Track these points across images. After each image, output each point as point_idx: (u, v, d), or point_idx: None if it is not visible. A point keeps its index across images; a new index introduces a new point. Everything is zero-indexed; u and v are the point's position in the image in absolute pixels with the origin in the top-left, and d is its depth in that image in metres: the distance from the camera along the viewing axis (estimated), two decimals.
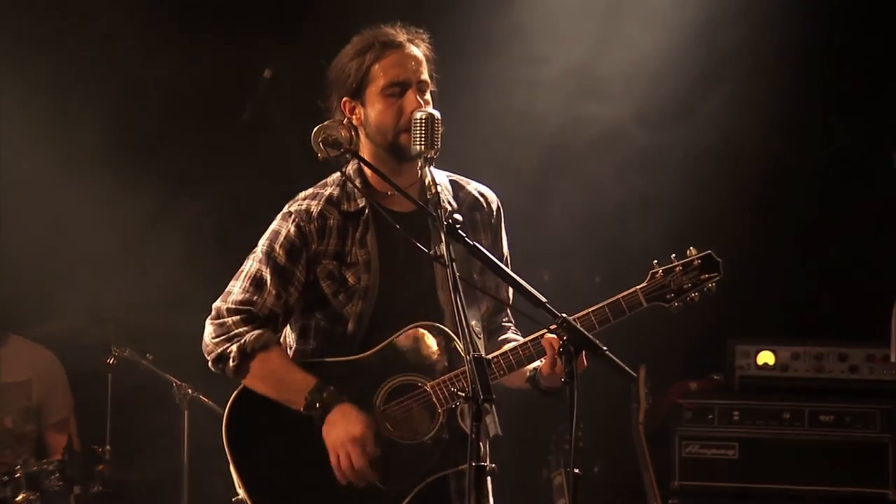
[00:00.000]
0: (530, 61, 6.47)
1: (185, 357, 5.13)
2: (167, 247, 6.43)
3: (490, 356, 3.80)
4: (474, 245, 3.51)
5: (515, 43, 6.49)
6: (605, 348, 3.43)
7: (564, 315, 3.40)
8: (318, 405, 3.79)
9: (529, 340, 3.81)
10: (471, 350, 3.24)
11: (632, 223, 6.56)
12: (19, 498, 5.32)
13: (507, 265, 4.03)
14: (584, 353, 3.46)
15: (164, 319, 6.00)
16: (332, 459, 3.78)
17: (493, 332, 4.07)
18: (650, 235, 6.35)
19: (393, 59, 3.87)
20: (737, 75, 6.54)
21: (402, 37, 3.91)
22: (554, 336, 3.64)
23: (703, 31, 6.40)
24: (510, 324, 4.12)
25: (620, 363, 3.42)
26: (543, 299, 3.43)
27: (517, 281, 3.53)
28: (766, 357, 6.00)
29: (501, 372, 3.80)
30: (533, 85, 6.47)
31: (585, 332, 3.44)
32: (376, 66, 3.87)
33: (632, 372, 3.43)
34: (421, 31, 3.95)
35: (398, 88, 3.85)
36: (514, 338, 4.02)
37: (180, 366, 5.80)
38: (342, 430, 3.77)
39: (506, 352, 3.82)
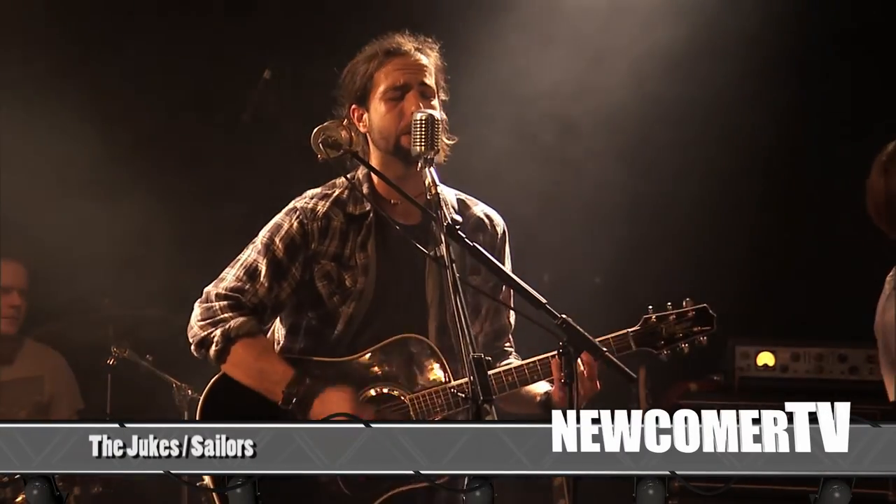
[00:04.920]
0: (533, 66, 6.48)
1: (185, 358, 5.13)
2: (167, 248, 6.43)
3: (494, 371, 3.81)
4: (474, 246, 3.51)
5: (517, 47, 6.49)
6: (605, 349, 3.44)
7: (564, 316, 3.41)
8: (294, 400, 3.79)
9: (538, 360, 3.81)
10: (471, 350, 3.24)
11: (633, 224, 6.56)
12: (19, 499, 5.33)
13: (509, 288, 4.01)
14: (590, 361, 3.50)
15: (165, 320, 6.00)
16: None
17: (495, 357, 4.06)
18: (651, 237, 6.35)
19: (395, 65, 3.91)
20: (736, 80, 6.55)
21: (408, 45, 3.93)
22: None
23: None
24: (511, 348, 4.14)
25: (621, 364, 3.42)
26: (544, 300, 3.43)
27: (517, 282, 3.53)
28: (766, 358, 5.99)
29: (503, 389, 3.80)
30: (535, 88, 6.48)
31: (586, 334, 3.44)
32: (379, 73, 3.91)
33: (632, 373, 3.43)
34: (430, 40, 3.97)
35: (398, 92, 3.88)
36: (518, 361, 4.02)
37: (180, 367, 5.79)
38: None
39: (510, 369, 3.83)
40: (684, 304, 3.89)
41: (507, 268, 4.08)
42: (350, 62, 4.00)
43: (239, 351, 3.88)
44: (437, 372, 3.85)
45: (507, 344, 4.14)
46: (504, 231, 4.10)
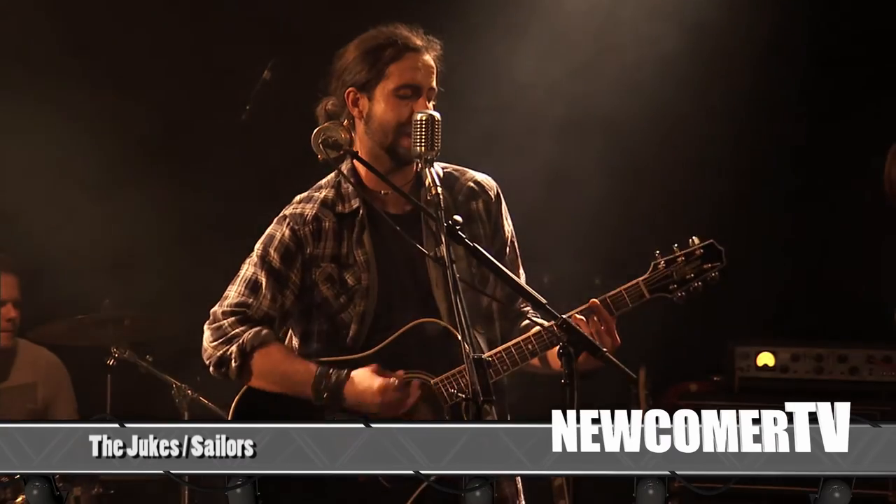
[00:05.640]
0: (533, 64, 6.48)
1: (184, 358, 5.14)
2: (167, 248, 6.44)
3: (501, 349, 3.81)
4: (474, 247, 3.51)
5: (516, 46, 6.50)
6: (604, 349, 3.43)
7: (564, 317, 3.40)
8: (325, 394, 3.79)
9: (555, 324, 3.79)
10: (471, 351, 3.23)
11: (633, 225, 6.56)
12: (19, 500, 5.32)
13: (514, 250, 4.04)
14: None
15: (165, 321, 6.01)
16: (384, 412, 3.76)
17: (513, 319, 4.05)
18: (650, 238, 6.33)
19: (411, 62, 3.87)
20: (738, 76, 6.55)
21: (420, 41, 3.91)
22: (582, 318, 3.69)
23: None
24: (528, 307, 4.09)
25: (620, 364, 3.42)
26: (543, 300, 3.43)
27: (517, 282, 3.53)
28: (766, 358, 5.99)
29: (515, 364, 3.79)
30: (535, 88, 6.48)
31: (585, 334, 3.43)
32: (393, 66, 3.87)
33: (632, 373, 3.42)
34: (436, 40, 3.96)
35: (411, 91, 3.86)
36: (535, 321, 4.00)
37: (180, 367, 5.79)
38: (369, 403, 3.75)
39: (529, 336, 3.81)
40: (690, 243, 3.89)
41: (508, 229, 4.06)
42: (353, 43, 3.95)
43: (258, 362, 3.87)
44: (456, 353, 3.83)
45: (524, 304, 4.11)
46: (498, 193, 4.06)
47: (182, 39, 6.54)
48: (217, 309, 3.93)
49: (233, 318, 3.89)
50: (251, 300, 3.90)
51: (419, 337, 3.86)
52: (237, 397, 3.95)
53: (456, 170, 4.04)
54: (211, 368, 3.93)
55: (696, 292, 3.85)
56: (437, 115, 3.68)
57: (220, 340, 3.89)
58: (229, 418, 3.95)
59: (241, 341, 3.87)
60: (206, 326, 3.94)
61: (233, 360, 3.86)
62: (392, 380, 3.78)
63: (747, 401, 5.93)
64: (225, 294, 3.95)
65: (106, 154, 6.40)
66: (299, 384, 3.83)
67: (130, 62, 6.58)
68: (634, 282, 3.84)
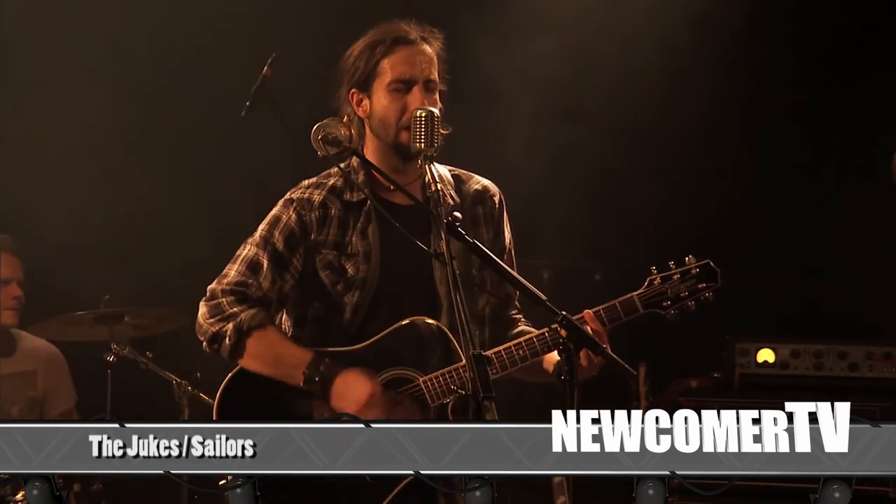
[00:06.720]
0: (533, 59, 6.48)
1: (184, 354, 5.14)
2: (168, 244, 6.43)
3: (500, 347, 3.83)
4: (474, 243, 3.52)
5: (515, 43, 6.49)
6: (605, 346, 3.44)
7: (564, 312, 3.41)
8: (317, 379, 3.80)
9: (547, 331, 3.81)
10: (471, 347, 3.24)
11: (633, 222, 6.56)
12: (19, 496, 5.32)
13: (510, 257, 4.06)
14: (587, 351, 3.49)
15: (165, 317, 6.00)
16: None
17: (505, 326, 4.08)
18: (651, 235, 6.35)
19: (402, 55, 3.90)
20: (744, 70, 6.55)
21: (414, 33, 3.92)
22: (589, 312, 3.73)
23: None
24: (520, 315, 4.13)
25: (620, 360, 3.43)
26: (543, 297, 3.44)
27: (517, 279, 3.54)
28: (766, 355, 5.98)
29: (514, 363, 3.81)
30: (534, 83, 6.48)
31: (585, 330, 3.44)
32: (385, 61, 3.90)
33: (632, 369, 3.43)
34: (436, 30, 3.96)
35: (404, 85, 3.88)
36: (528, 330, 4.02)
37: (180, 363, 5.79)
38: (352, 400, 3.77)
39: (520, 343, 3.83)
40: (686, 261, 3.90)
41: (508, 236, 4.10)
42: (352, 45, 3.99)
43: (253, 343, 3.88)
44: (448, 352, 3.85)
45: (514, 311, 4.13)
46: (501, 200, 4.11)
47: (183, 36, 6.54)
48: (216, 286, 3.95)
49: (231, 297, 3.91)
50: (251, 280, 3.91)
51: (412, 334, 3.87)
52: (225, 381, 3.95)
53: (463, 173, 4.08)
54: (204, 344, 3.95)
55: (689, 311, 3.86)
56: (436, 111, 3.70)
57: (217, 318, 3.90)
58: (215, 403, 3.94)
59: (238, 320, 3.88)
60: (202, 302, 3.96)
61: (227, 338, 3.87)
62: (382, 397, 3.77)
63: (747, 397, 5.94)
64: (224, 272, 3.96)
65: (105, 150, 6.39)
66: (291, 367, 3.84)
67: (130, 58, 6.58)
68: (629, 295, 3.86)
